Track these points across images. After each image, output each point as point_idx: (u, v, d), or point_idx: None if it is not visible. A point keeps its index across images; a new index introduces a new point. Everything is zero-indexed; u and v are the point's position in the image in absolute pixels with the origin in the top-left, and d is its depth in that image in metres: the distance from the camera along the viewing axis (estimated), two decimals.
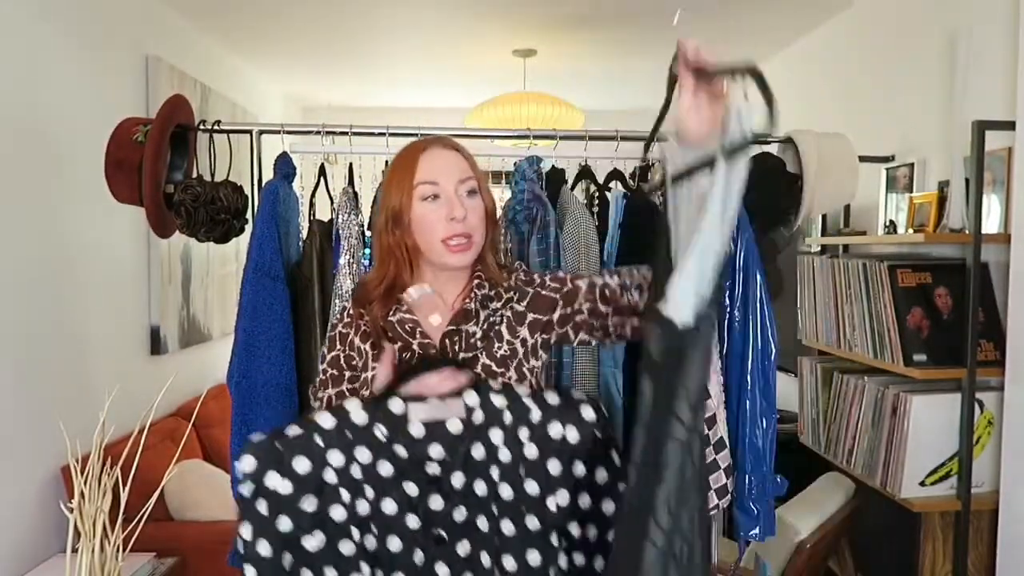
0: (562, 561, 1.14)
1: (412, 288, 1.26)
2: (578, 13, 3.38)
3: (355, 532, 1.10)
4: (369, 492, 1.11)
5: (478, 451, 1.12)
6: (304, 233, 2.00)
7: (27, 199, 2.30)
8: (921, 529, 2.13)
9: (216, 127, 2.05)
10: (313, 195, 2.08)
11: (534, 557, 1.11)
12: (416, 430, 1.11)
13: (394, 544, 1.11)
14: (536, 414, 1.13)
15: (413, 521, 1.11)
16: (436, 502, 1.11)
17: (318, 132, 1.98)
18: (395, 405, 1.12)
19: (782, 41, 3.78)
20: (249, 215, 2.04)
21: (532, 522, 1.11)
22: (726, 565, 2.13)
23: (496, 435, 1.12)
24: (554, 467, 1.12)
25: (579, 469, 1.12)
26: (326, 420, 1.10)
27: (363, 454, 1.10)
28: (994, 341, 2.11)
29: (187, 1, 3.26)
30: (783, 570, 2.26)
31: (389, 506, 1.10)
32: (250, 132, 2.08)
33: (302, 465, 1.08)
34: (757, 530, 1.75)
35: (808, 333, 2.65)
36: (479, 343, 1.25)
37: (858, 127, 3.03)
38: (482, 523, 1.12)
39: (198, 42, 3.68)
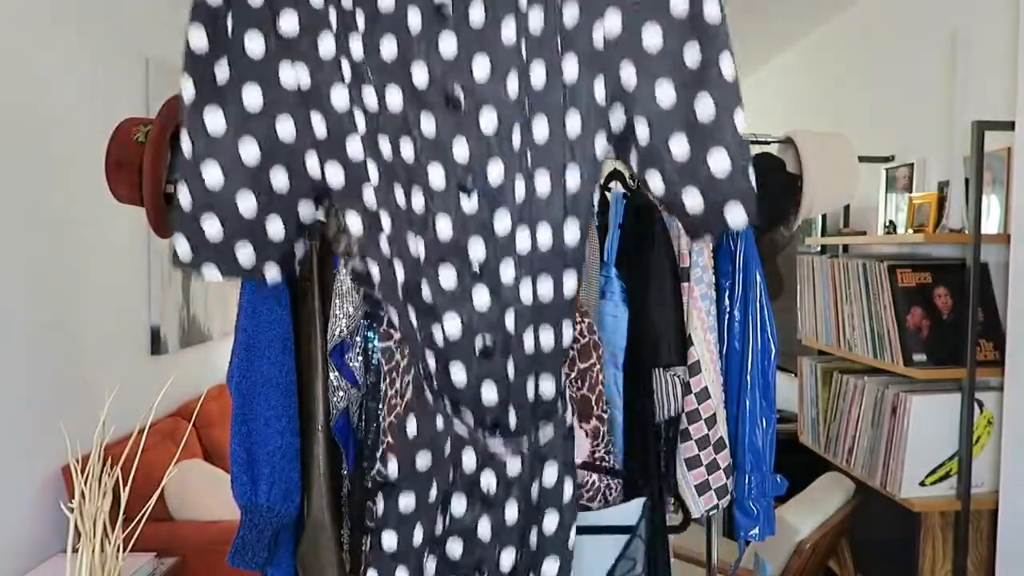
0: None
1: None
2: None
3: (347, 73, 0.84)
4: (360, 23, 0.83)
5: None
6: None
7: (27, 199, 2.30)
8: (921, 529, 2.13)
9: None
10: None
11: (573, 124, 0.84)
12: None
13: (394, 100, 0.82)
14: None
15: (420, 73, 0.81)
16: (448, 45, 0.81)
17: None
18: None
19: (782, 41, 3.78)
20: None
21: (570, 67, 0.82)
22: (726, 565, 2.13)
23: None
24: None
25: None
26: None
27: None
28: (994, 341, 2.10)
29: (187, 2, 3.26)
30: (783, 570, 2.26)
31: (388, 47, 0.82)
32: None
33: None
34: (757, 530, 1.75)
35: (808, 333, 2.65)
36: None
37: (858, 127, 3.03)
38: (513, 83, 0.81)
39: None
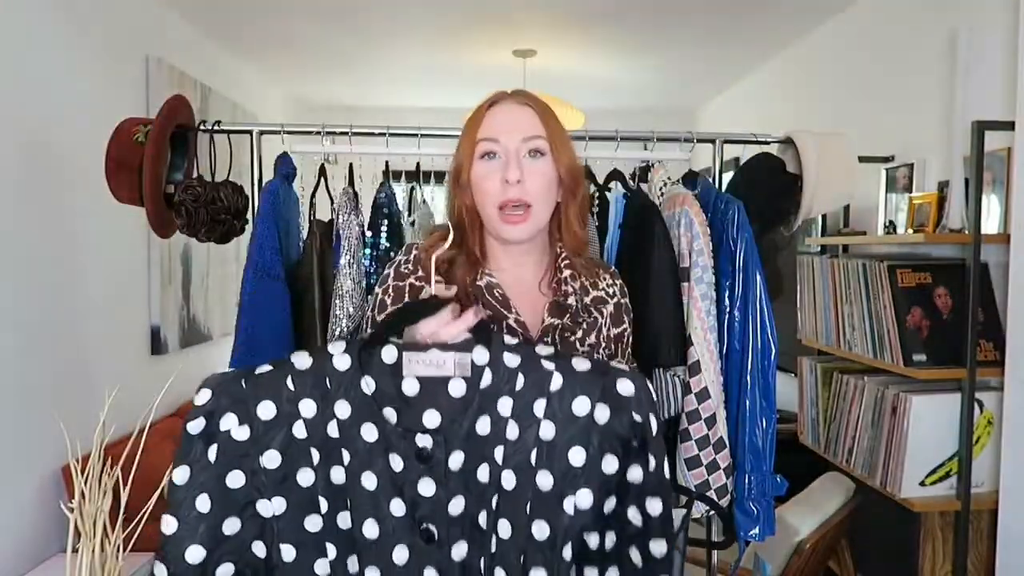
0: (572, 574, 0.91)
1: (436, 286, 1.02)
2: (578, 13, 3.38)
3: (324, 504, 0.88)
4: (346, 458, 0.88)
5: (483, 425, 0.88)
6: (304, 233, 2.00)
7: (27, 199, 2.30)
8: (921, 529, 2.13)
9: (216, 127, 2.05)
10: (313, 195, 2.08)
11: (538, 574, 0.88)
12: (410, 388, 0.89)
13: (371, 531, 0.88)
14: (557, 382, 0.89)
15: (397, 507, 0.87)
16: (427, 487, 0.88)
17: (318, 132, 1.98)
18: (388, 353, 0.90)
19: (782, 41, 3.78)
20: (249, 215, 2.04)
21: (540, 528, 0.88)
22: (726, 565, 2.13)
23: (505, 405, 0.88)
24: (576, 457, 0.88)
25: (610, 465, 0.88)
26: (302, 360, 0.89)
27: (343, 409, 0.88)
28: (994, 341, 2.10)
29: (187, 2, 3.26)
30: (783, 570, 2.26)
31: (369, 481, 0.88)
32: (250, 132, 2.08)
33: (267, 411, 0.87)
34: (757, 530, 1.75)
35: (808, 333, 2.65)
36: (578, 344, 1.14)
37: (858, 127, 3.03)
38: (483, 520, 0.88)
39: (198, 43, 3.68)
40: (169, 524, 0.86)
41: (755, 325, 1.73)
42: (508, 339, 0.92)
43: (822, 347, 2.56)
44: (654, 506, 0.88)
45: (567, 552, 0.88)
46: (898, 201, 2.75)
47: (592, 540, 0.89)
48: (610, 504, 0.89)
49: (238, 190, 1.99)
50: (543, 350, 0.92)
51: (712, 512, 1.70)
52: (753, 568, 2.37)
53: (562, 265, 1.17)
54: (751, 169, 2.09)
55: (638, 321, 1.40)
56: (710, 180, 1.97)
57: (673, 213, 1.73)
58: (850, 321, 2.37)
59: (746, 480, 1.74)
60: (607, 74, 4.46)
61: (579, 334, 1.15)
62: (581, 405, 0.89)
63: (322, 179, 2.07)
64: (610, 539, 0.90)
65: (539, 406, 0.89)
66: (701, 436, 1.65)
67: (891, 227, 2.74)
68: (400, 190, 2.10)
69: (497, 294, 1.13)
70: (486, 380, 0.89)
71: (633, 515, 0.88)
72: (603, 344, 1.22)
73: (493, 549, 0.89)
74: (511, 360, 0.90)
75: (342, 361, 0.89)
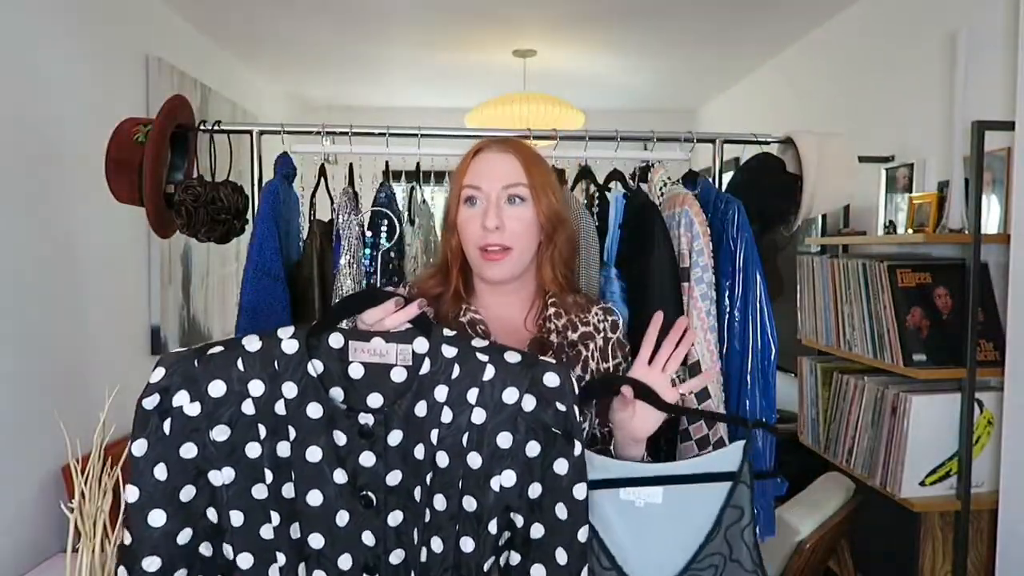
0: (501, 557, 1.00)
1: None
2: (578, 13, 3.38)
3: (269, 475, 0.95)
4: (292, 433, 0.95)
5: (421, 408, 0.96)
6: (304, 233, 2.00)
7: (27, 199, 2.30)
8: (921, 529, 2.13)
9: (216, 127, 2.05)
10: (313, 195, 2.08)
11: (466, 544, 0.96)
12: (355, 372, 0.98)
13: (314, 498, 0.96)
14: (489, 372, 0.97)
15: (340, 476, 0.96)
16: (368, 459, 0.96)
17: (318, 132, 1.98)
18: (334, 339, 0.98)
19: (782, 41, 3.78)
20: (249, 215, 2.04)
21: (469, 502, 0.96)
22: None
23: (441, 392, 0.97)
24: (503, 440, 0.96)
25: (532, 451, 0.97)
26: (252, 343, 0.96)
27: (290, 389, 0.95)
28: (994, 341, 2.11)
29: (187, 2, 3.26)
30: (783, 570, 2.26)
31: (313, 454, 0.95)
32: (250, 132, 2.08)
33: (217, 389, 0.94)
34: (757, 530, 1.75)
35: (808, 333, 2.65)
36: None
37: (858, 127, 3.03)
38: (417, 492, 0.97)
39: (198, 42, 3.68)
40: (132, 492, 0.94)
41: (755, 325, 1.73)
42: (446, 331, 1.00)
43: (822, 347, 2.56)
44: (579, 491, 0.97)
45: (493, 526, 0.96)
46: (898, 201, 2.75)
47: (518, 520, 0.98)
48: (534, 491, 0.97)
49: (238, 190, 1.99)
50: (478, 343, 1.00)
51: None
52: None
53: (549, 303, 1.23)
54: (751, 169, 2.09)
55: (638, 321, 1.40)
56: (710, 180, 1.97)
57: (673, 213, 1.73)
58: (850, 321, 2.37)
59: None
60: (607, 74, 4.46)
61: None
62: (510, 394, 0.97)
63: (322, 179, 2.07)
64: (537, 531, 0.97)
65: (472, 394, 0.97)
66: (701, 436, 1.64)
67: (891, 227, 2.74)
68: (400, 190, 2.10)
69: (480, 330, 1.20)
70: (425, 368, 0.97)
71: (560, 510, 0.97)
72: (590, 376, 1.24)
73: (427, 519, 0.97)
74: (448, 351, 0.98)
75: (290, 345, 0.96)
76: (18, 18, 2.29)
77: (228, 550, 0.96)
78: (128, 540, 0.95)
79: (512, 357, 0.98)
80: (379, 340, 0.98)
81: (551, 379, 0.97)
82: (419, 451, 0.96)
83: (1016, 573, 1.92)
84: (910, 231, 2.52)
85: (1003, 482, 1.96)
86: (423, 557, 0.97)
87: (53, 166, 2.44)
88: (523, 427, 0.96)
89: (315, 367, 0.96)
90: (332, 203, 1.97)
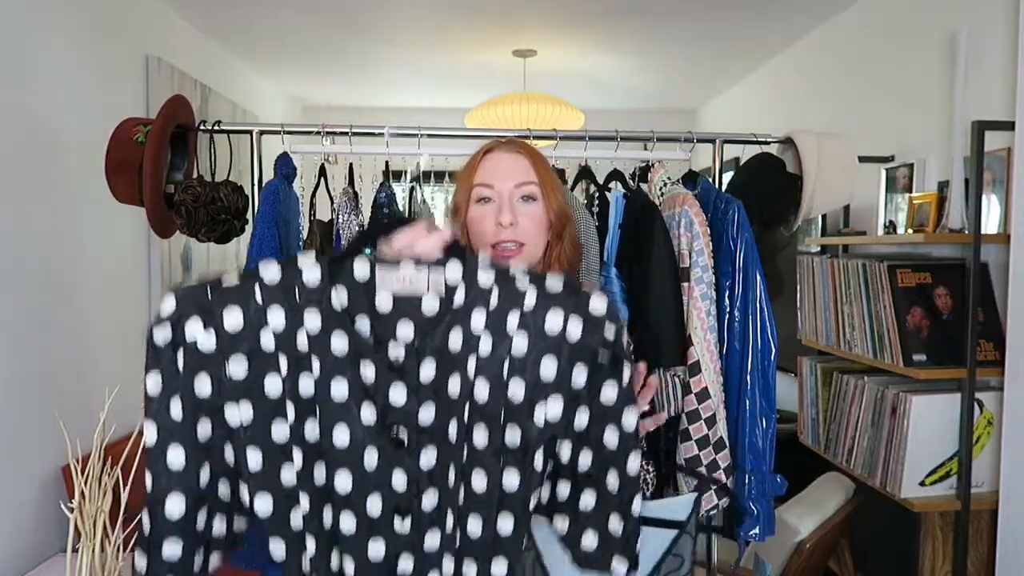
0: (544, 491, 0.95)
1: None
2: (578, 13, 3.38)
3: (291, 411, 0.89)
4: (316, 367, 0.88)
5: (455, 339, 0.89)
6: (304, 233, 2.00)
7: (27, 199, 2.30)
8: (921, 529, 2.13)
9: (216, 127, 2.05)
10: (313, 195, 2.08)
11: (510, 480, 0.91)
12: (383, 302, 0.90)
13: (341, 437, 0.89)
14: (531, 299, 0.91)
15: (368, 413, 0.88)
16: (398, 394, 0.88)
17: (318, 132, 1.98)
18: (360, 267, 0.90)
19: (782, 41, 3.78)
20: (249, 215, 2.05)
21: (512, 435, 0.91)
22: (726, 565, 2.13)
23: (478, 319, 0.90)
24: (547, 368, 0.90)
25: (579, 378, 0.91)
26: (270, 271, 0.88)
27: (313, 320, 0.88)
28: (994, 341, 2.11)
29: (187, 2, 3.26)
30: (783, 570, 2.26)
31: (339, 389, 0.88)
32: (250, 132, 2.08)
33: (233, 319, 0.87)
34: (757, 530, 1.75)
35: (808, 333, 2.65)
36: None
37: (858, 127, 3.03)
38: (452, 429, 0.90)
39: (198, 42, 3.68)
40: (150, 432, 0.87)
41: (755, 325, 1.73)
42: (483, 256, 0.93)
43: (822, 347, 2.56)
44: (629, 420, 0.93)
45: (538, 459, 0.91)
46: (898, 201, 2.75)
47: (564, 451, 0.93)
48: (581, 420, 0.92)
49: (238, 190, 2.00)
50: (516, 270, 0.93)
51: (712, 512, 1.70)
52: (753, 568, 2.37)
53: None
54: (751, 169, 2.09)
55: (638, 321, 1.40)
56: (710, 180, 1.97)
57: (673, 213, 1.73)
58: (850, 321, 2.37)
59: (746, 480, 1.74)
60: (607, 74, 4.46)
61: None
62: (554, 320, 0.90)
63: (322, 179, 2.07)
64: (585, 459, 0.93)
65: (512, 321, 0.90)
66: (701, 436, 1.65)
67: (891, 227, 2.74)
68: (400, 190, 2.10)
69: None
70: (459, 296, 0.90)
71: (609, 436, 0.92)
72: None
73: (465, 457, 0.91)
74: (485, 278, 0.91)
75: (312, 274, 0.88)
76: (18, 18, 2.29)
77: (245, 493, 0.91)
78: (149, 483, 0.89)
79: (555, 284, 0.92)
80: (409, 267, 0.90)
81: (597, 304, 0.91)
82: (454, 385, 0.89)
83: (1016, 573, 1.92)
84: (910, 231, 2.52)
85: (1003, 482, 1.96)
86: (461, 498, 0.92)
87: (53, 166, 2.44)
88: (569, 354, 0.90)
89: (339, 297, 0.89)
90: (332, 203, 1.97)
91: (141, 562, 0.90)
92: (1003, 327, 2.07)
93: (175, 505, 0.88)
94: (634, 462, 0.94)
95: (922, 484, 2.10)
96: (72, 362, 2.53)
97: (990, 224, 2.22)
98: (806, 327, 2.66)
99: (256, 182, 2.06)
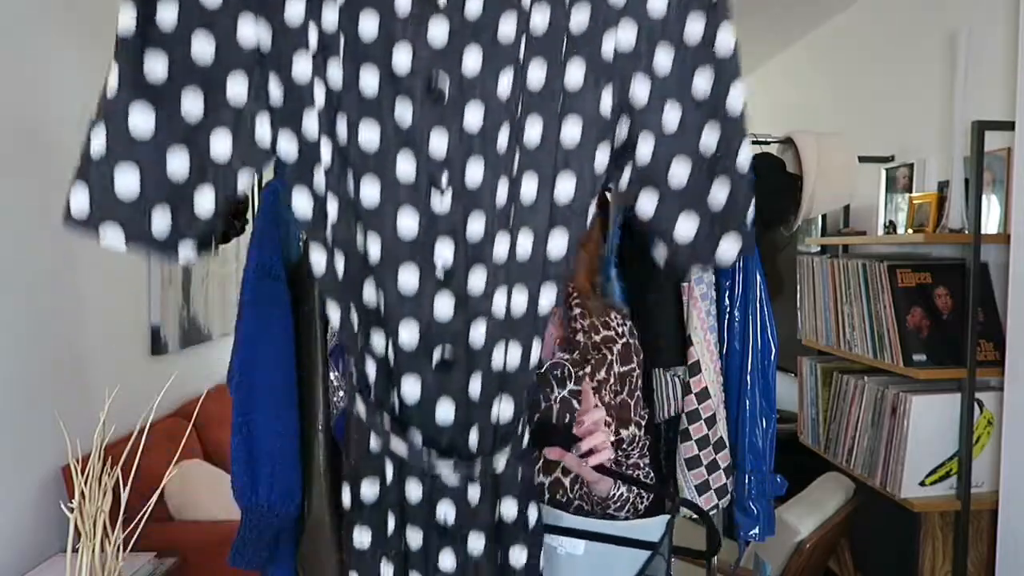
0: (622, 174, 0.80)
1: None
2: None
3: (313, 40, 0.75)
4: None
5: None
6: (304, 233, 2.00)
7: (27, 199, 2.30)
8: (921, 529, 2.13)
9: None
10: None
11: (571, 130, 0.77)
12: None
13: (368, 81, 0.74)
14: None
15: (403, 58, 0.73)
16: (439, 30, 0.73)
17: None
18: None
19: (782, 41, 3.78)
20: (249, 215, 2.04)
21: (575, 71, 0.76)
22: (726, 565, 2.13)
23: None
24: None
25: (695, 23, 0.81)
26: None
27: None
28: (994, 341, 2.11)
29: None
30: (783, 570, 2.26)
31: (368, 24, 0.74)
32: None
33: None
34: (757, 530, 1.75)
35: (808, 333, 2.65)
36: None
37: (858, 127, 3.03)
38: (505, 80, 0.74)
39: None
40: (111, 84, 0.75)
41: (755, 325, 1.73)
42: None
43: (822, 347, 2.56)
44: (725, 41, 0.86)
45: (606, 102, 0.77)
46: (898, 201, 2.75)
47: (640, 93, 0.78)
48: (663, 59, 0.78)
49: None
50: None
51: (712, 512, 1.70)
52: (753, 568, 2.37)
53: (573, 303, 1.21)
54: (750, 169, 2.09)
55: (638, 321, 1.40)
56: None
57: None
58: (850, 321, 2.37)
59: (746, 480, 1.74)
60: None
61: (588, 369, 1.17)
62: None
63: None
64: (673, 116, 0.79)
65: None
66: (701, 436, 1.65)
67: (891, 227, 2.74)
68: None
69: None
70: None
71: (700, 83, 0.81)
72: (612, 380, 1.23)
73: (518, 112, 0.76)
74: None
75: None
76: (18, 17, 2.29)
77: (266, 128, 0.77)
78: (114, 80, 0.73)
79: None
80: None
81: None
82: (508, 26, 0.73)
83: (1016, 573, 1.92)
84: (910, 231, 2.53)
85: (1003, 482, 1.96)
86: (515, 167, 0.77)
87: (53, 166, 2.44)
88: None
89: None
90: None
91: (79, 198, 0.77)
92: (1003, 327, 2.07)
93: (142, 124, 0.73)
94: (735, 98, 0.82)
95: (922, 484, 2.10)
96: (72, 362, 2.53)
97: (990, 224, 2.22)
98: (806, 327, 2.65)
99: (256, 182, 2.06)
